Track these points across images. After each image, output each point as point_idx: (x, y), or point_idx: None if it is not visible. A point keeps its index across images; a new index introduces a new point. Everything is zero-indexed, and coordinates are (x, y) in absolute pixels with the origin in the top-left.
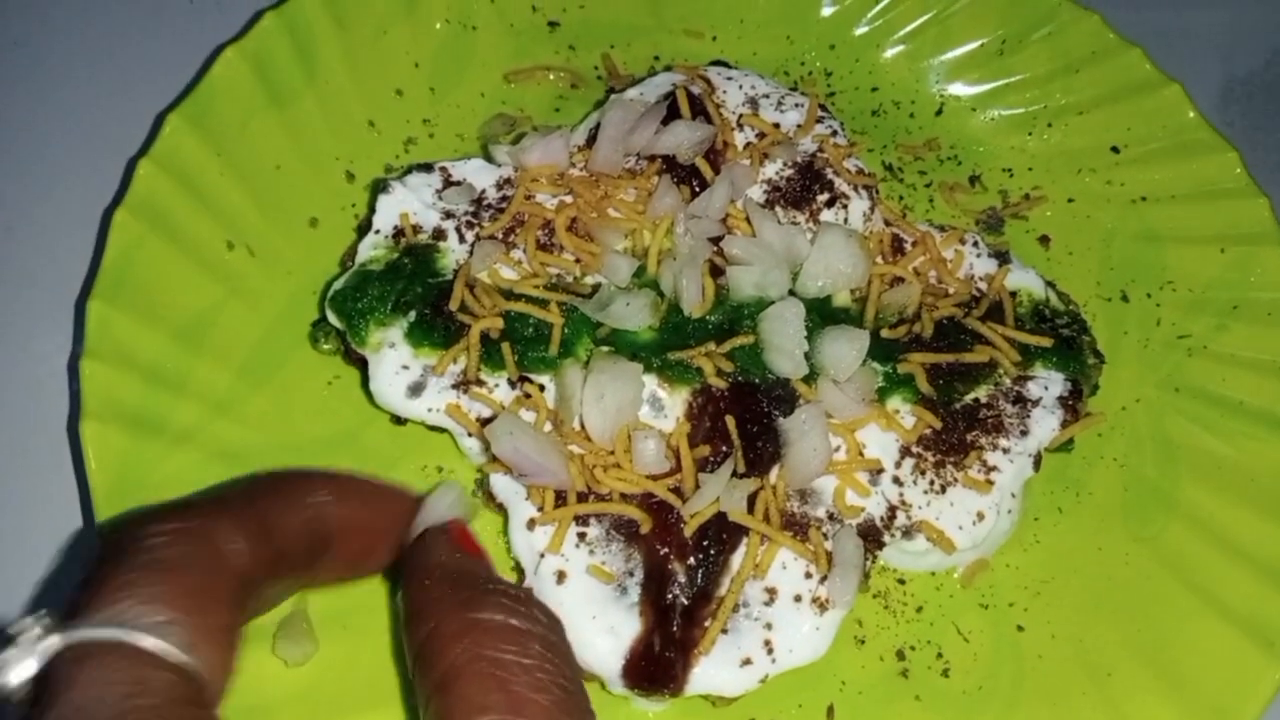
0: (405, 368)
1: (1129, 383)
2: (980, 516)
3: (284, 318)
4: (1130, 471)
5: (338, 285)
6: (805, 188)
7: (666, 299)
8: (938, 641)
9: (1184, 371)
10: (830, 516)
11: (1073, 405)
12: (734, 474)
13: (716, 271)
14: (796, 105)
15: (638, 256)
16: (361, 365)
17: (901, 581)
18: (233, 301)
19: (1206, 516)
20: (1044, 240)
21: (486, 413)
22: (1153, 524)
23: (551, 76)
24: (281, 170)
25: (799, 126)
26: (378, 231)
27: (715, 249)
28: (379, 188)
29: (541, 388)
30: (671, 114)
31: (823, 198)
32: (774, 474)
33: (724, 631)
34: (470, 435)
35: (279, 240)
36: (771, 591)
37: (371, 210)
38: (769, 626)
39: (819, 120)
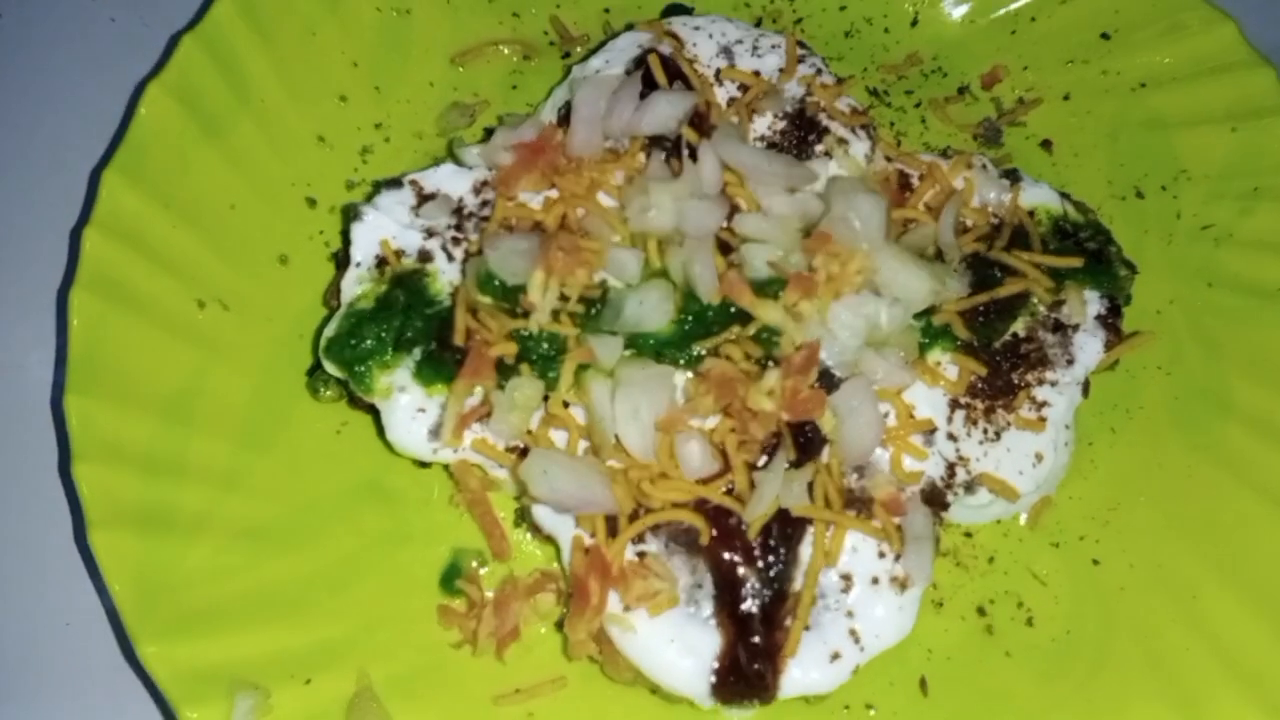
0: (421, 410)
1: (1159, 284)
2: (1039, 458)
3: (274, 370)
4: (1176, 378)
5: (330, 332)
6: (801, 139)
7: (679, 287)
8: (1016, 590)
9: (1214, 264)
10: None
11: (1113, 323)
12: (787, 464)
13: (726, 248)
14: (774, 47)
15: (640, 240)
16: (370, 410)
17: (968, 535)
18: (215, 364)
19: (1263, 413)
20: (1046, 145)
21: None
22: (1209, 430)
23: (505, 50)
24: (237, 209)
25: (781, 70)
26: (358, 264)
27: (722, 224)
28: (350, 215)
29: (566, 405)
30: (646, 83)
31: (820, 147)
32: (825, 453)
33: (807, 629)
34: (503, 467)
35: (250, 287)
36: (847, 578)
37: (346, 241)
38: (851, 615)
39: (800, 60)
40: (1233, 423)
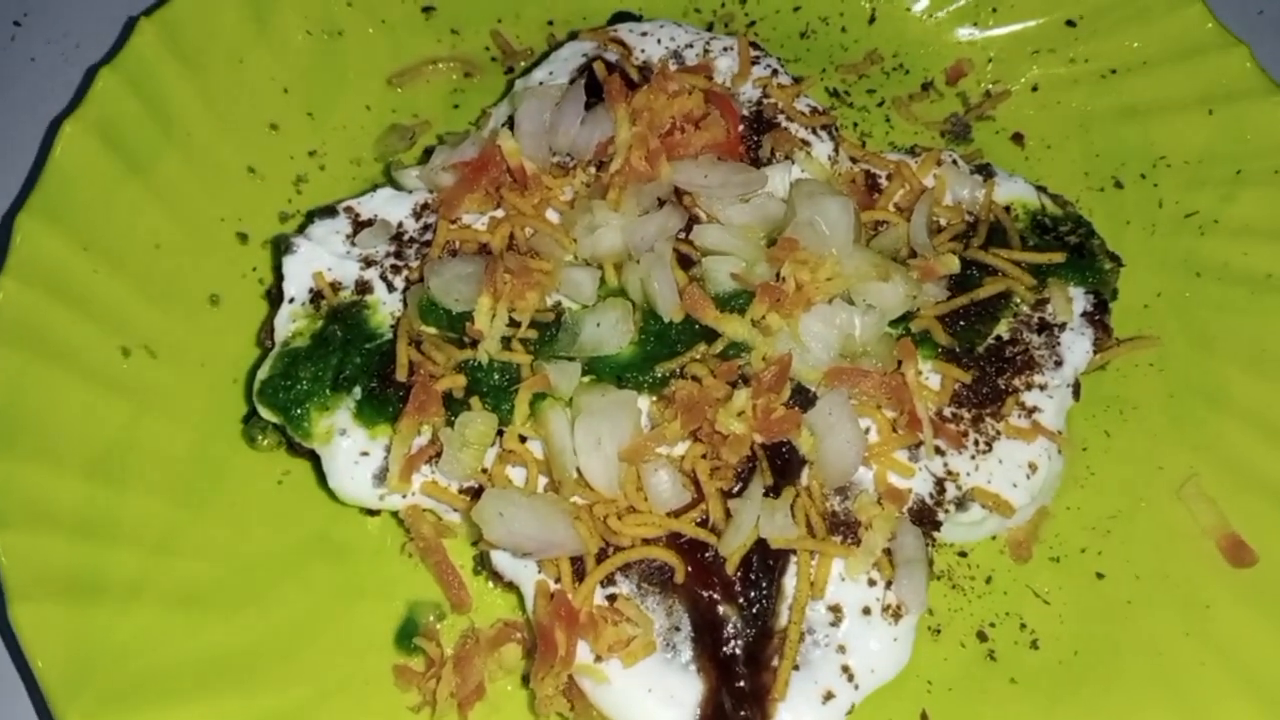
0: (364, 454)
1: (1145, 277)
2: (1033, 468)
3: (208, 420)
4: (1170, 375)
5: (262, 374)
6: (759, 143)
7: (639, 305)
8: (1017, 611)
9: (1200, 253)
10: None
11: (1101, 320)
12: (764, 490)
13: (687, 262)
14: (725, 50)
15: (593, 263)
16: (312, 457)
17: (963, 554)
18: (144, 416)
19: (1262, 407)
20: (1018, 138)
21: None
22: (1206, 427)
23: (443, 67)
24: (163, 249)
25: (735, 74)
26: (292, 300)
27: (679, 236)
28: (281, 248)
29: (523, 439)
30: (591, 92)
31: (780, 151)
32: (804, 475)
33: (796, 668)
34: (457, 511)
35: (180, 330)
36: (836, 610)
37: (279, 275)
38: (843, 650)
39: (754, 61)
40: (1229, 419)
